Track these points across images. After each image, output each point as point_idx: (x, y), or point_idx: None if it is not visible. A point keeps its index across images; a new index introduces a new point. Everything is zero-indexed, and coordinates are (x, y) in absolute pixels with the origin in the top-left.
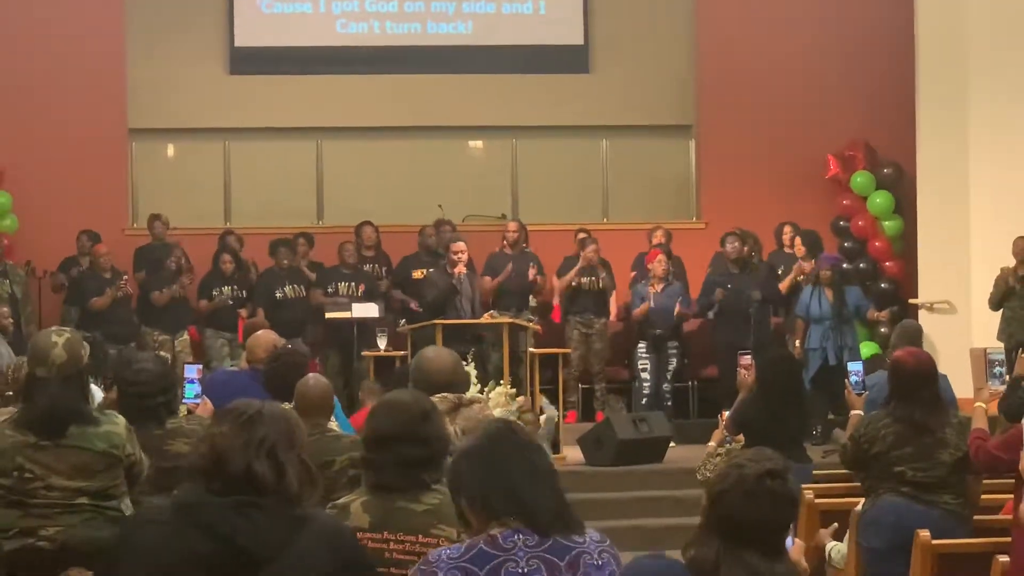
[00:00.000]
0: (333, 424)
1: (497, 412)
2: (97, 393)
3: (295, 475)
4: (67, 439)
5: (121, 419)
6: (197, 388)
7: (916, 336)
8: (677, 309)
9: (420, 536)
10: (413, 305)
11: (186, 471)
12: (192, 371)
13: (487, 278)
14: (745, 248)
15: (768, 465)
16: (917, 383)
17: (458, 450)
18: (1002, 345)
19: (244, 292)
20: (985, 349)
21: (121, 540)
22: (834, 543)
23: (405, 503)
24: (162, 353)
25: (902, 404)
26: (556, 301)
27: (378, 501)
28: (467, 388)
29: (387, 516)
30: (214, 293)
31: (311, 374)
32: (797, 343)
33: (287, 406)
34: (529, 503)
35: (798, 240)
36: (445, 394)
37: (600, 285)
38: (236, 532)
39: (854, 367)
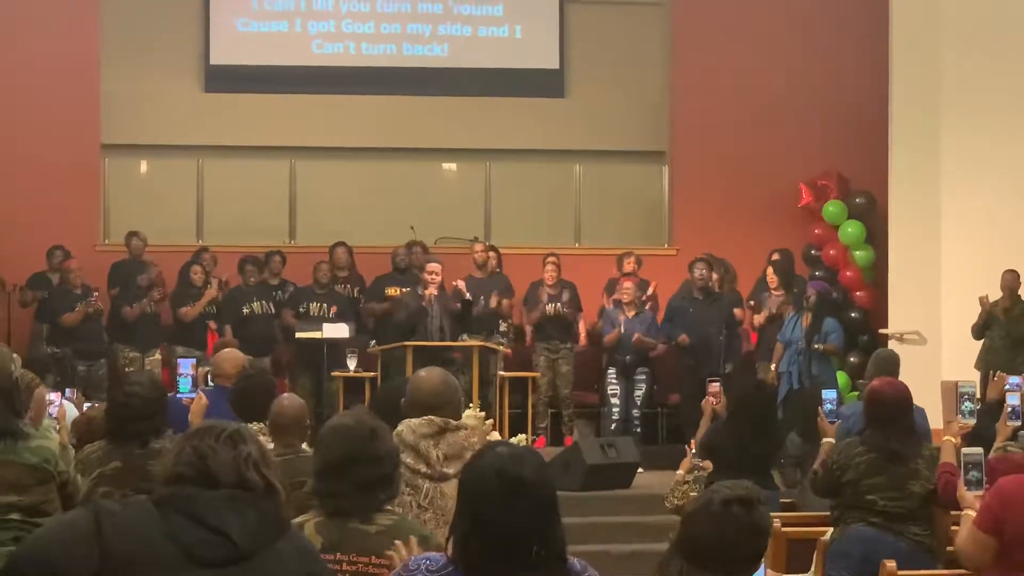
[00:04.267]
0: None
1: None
2: (70, 410)
3: (280, 487)
4: None
5: (54, 435)
6: (191, 383)
7: (893, 365)
8: (636, 337)
9: (374, 557)
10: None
11: (168, 481)
12: (187, 366)
13: (458, 305)
14: (715, 275)
15: (739, 492)
16: (892, 412)
17: (477, 477)
18: (973, 379)
19: (214, 308)
20: (956, 382)
21: (87, 522)
22: None
23: (358, 524)
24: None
25: (876, 432)
26: (528, 333)
27: (332, 523)
28: (459, 413)
29: (340, 538)
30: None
31: (286, 394)
32: (773, 367)
33: (258, 426)
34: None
35: (770, 270)
36: (432, 417)
37: (561, 311)
38: (226, 524)
39: (828, 395)
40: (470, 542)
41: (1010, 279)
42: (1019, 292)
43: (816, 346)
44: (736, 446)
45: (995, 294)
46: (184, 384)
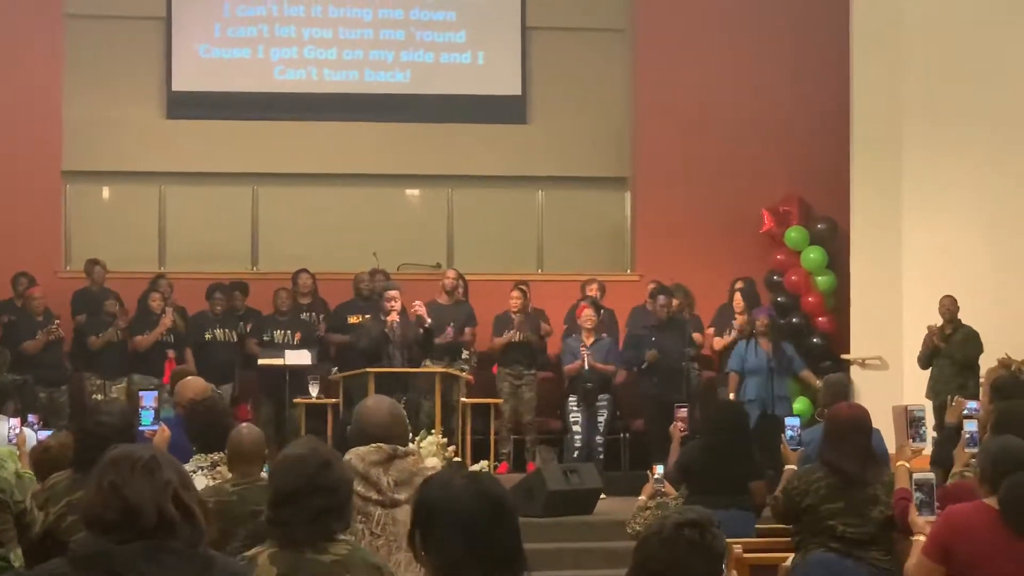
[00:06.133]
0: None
1: (430, 462)
2: (31, 436)
3: (199, 514)
4: None
5: (11, 465)
6: (153, 415)
7: (843, 389)
8: (585, 359)
9: None
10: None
11: (89, 522)
12: (150, 398)
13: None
14: (675, 302)
15: (690, 516)
16: (849, 432)
17: (445, 504)
18: (925, 403)
19: (172, 336)
20: (907, 406)
21: None
22: None
23: (313, 554)
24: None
25: (833, 453)
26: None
27: (285, 553)
28: (406, 440)
29: (294, 568)
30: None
31: (244, 424)
32: (731, 395)
33: (219, 455)
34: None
35: (738, 295)
36: (380, 444)
37: (525, 338)
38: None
39: (791, 422)
40: (464, 568)
41: (949, 304)
42: (959, 316)
43: (801, 374)
44: (710, 465)
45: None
46: (146, 416)
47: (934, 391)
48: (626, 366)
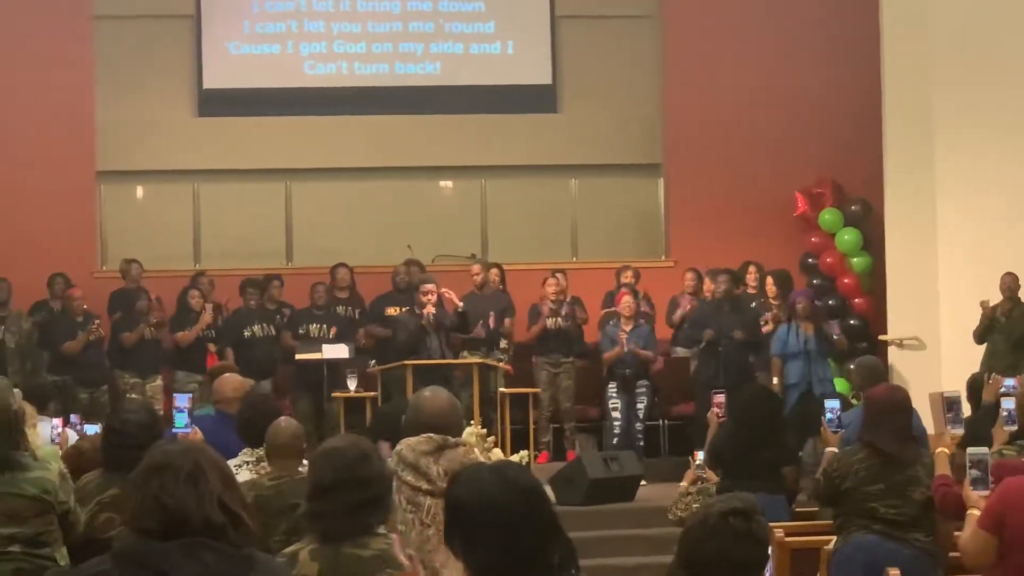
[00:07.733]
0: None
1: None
2: (73, 437)
3: (244, 516)
4: None
5: (55, 465)
6: (187, 417)
7: (878, 372)
8: (622, 345)
9: None
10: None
11: (134, 530)
12: (183, 400)
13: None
14: (723, 287)
15: (735, 504)
16: (888, 412)
17: (481, 503)
18: (958, 388)
19: (213, 332)
20: (942, 393)
21: None
22: None
23: (352, 549)
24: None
25: (872, 434)
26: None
27: (326, 549)
28: (460, 431)
29: (335, 563)
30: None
31: (283, 418)
32: (775, 380)
33: (261, 452)
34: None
35: (769, 280)
36: (430, 434)
37: (563, 324)
38: (185, 573)
39: (830, 404)
40: (499, 563)
41: (1009, 281)
42: (1019, 294)
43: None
44: (740, 451)
45: (992, 296)
46: (180, 419)
47: (987, 366)
48: (687, 344)
